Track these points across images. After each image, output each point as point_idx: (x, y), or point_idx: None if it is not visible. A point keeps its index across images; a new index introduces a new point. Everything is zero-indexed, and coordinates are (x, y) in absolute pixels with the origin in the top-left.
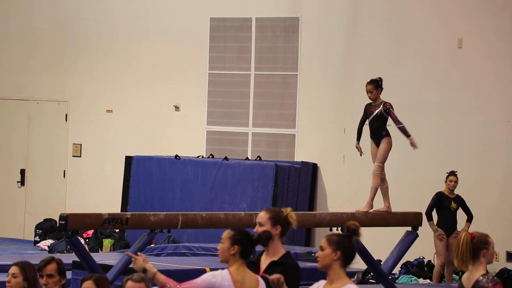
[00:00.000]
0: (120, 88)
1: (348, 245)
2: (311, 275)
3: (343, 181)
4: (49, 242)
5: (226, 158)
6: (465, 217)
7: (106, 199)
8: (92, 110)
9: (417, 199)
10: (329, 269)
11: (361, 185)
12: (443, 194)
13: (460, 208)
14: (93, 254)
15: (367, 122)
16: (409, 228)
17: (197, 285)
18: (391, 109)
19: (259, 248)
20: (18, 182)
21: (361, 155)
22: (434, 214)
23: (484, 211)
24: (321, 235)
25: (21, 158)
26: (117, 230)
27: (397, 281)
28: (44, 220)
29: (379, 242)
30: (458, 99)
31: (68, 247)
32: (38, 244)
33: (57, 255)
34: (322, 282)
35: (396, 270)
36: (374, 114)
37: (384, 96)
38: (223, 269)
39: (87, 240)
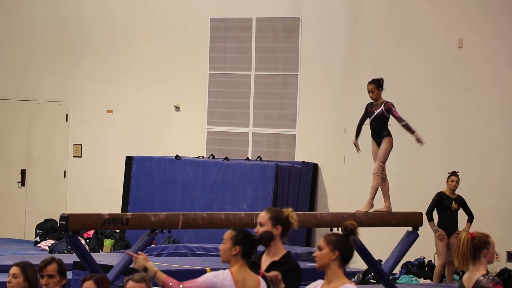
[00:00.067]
0: (121, 88)
1: (346, 244)
2: (312, 275)
3: (343, 181)
4: (49, 242)
5: (226, 158)
6: (466, 217)
7: (107, 200)
8: (92, 111)
9: (417, 199)
10: (327, 268)
11: (362, 185)
12: (444, 195)
13: (461, 208)
14: (93, 255)
15: (367, 122)
16: (410, 228)
17: (198, 284)
18: (392, 108)
19: (259, 248)
20: (18, 182)
21: (358, 151)
22: (435, 214)
23: (484, 211)
24: (321, 235)
25: (21, 158)
26: (117, 231)
27: (397, 281)
28: (45, 220)
29: (380, 242)
30: (458, 99)
31: (69, 247)
32: (39, 245)
33: (57, 256)
34: (320, 282)
35: (397, 270)
36: (375, 113)
37: (384, 96)
38: (224, 269)
39: (87, 240)
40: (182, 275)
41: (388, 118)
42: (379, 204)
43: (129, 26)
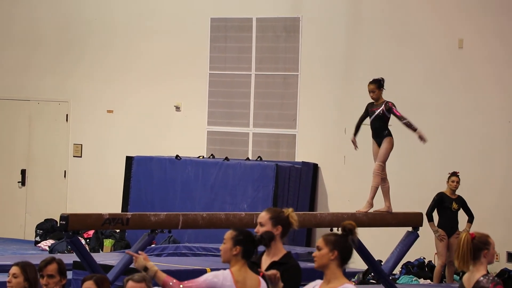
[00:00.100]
0: (121, 88)
1: (345, 244)
2: (312, 275)
3: (343, 181)
4: (49, 242)
5: (226, 158)
6: (466, 217)
7: (107, 199)
8: (92, 110)
9: (417, 199)
10: (326, 269)
11: (362, 185)
12: (444, 195)
13: (461, 208)
14: (93, 254)
15: (367, 121)
16: (410, 229)
17: (198, 284)
18: (393, 107)
19: (259, 248)
20: (19, 182)
21: (356, 148)
22: (435, 214)
23: (485, 211)
24: (321, 235)
25: (22, 158)
26: (117, 230)
27: (397, 281)
28: (45, 220)
29: (380, 242)
30: (458, 99)
31: (69, 247)
32: (39, 244)
33: (57, 255)
34: (319, 282)
35: (397, 270)
36: (376, 113)
37: (384, 96)
38: (224, 269)
39: (87, 240)
40: (182, 275)
41: (388, 118)
42: (379, 204)
43: (129, 26)
